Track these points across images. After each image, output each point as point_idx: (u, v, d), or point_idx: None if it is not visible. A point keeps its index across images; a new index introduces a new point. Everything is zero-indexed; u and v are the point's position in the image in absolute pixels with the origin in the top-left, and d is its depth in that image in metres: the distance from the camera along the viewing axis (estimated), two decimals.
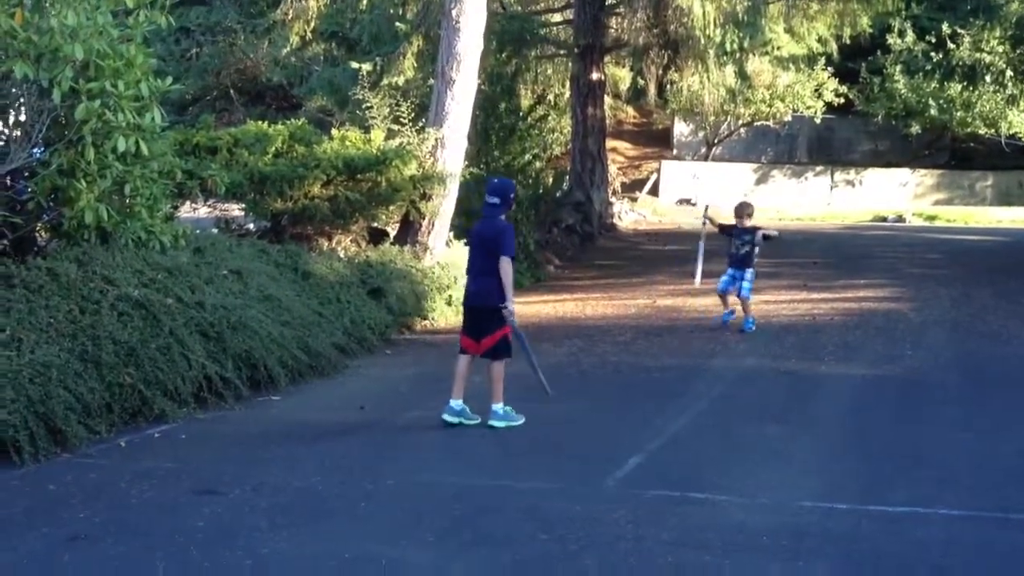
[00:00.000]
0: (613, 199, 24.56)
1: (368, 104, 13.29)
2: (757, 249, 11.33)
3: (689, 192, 28.87)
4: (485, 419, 7.30)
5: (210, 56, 25.98)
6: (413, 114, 13.00)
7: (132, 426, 7.12)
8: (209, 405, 7.70)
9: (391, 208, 12.57)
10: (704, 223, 12.18)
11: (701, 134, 30.62)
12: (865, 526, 5.26)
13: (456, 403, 7.34)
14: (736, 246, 11.30)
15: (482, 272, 7.34)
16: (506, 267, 7.24)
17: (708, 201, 11.44)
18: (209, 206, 11.72)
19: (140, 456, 6.55)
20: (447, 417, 7.31)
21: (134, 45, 7.94)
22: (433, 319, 11.88)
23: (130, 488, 5.90)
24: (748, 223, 11.37)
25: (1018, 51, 21.35)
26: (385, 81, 16.68)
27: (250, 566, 4.75)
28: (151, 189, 8.63)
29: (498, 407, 7.30)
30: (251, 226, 12.13)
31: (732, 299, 11.34)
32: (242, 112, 25.16)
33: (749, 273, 11.23)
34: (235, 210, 12.18)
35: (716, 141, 30.42)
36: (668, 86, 26.31)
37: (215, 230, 11.45)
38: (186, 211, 11.37)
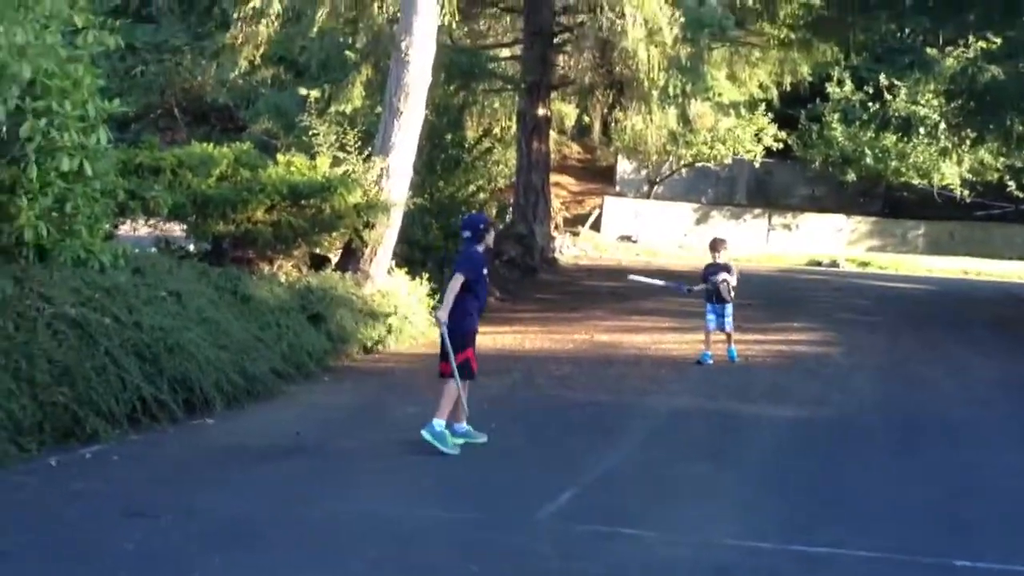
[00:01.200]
0: (555, 233, 24.80)
1: (315, 131, 13.32)
2: (734, 281, 11.74)
3: (631, 229, 29.25)
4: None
5: (155, 74, 25.79)
6: (359, 142, 13.06)
7: (64, 446, 7.04)
8: (143, 427, 7.65)
9: (334, 235, 12.59)
10: (687, 291, 12.69)
11: (644, 172, 31.06)
12: (785, 566, 5.41)
13: (459, 426, 7.64)
14: (713, 282, 11.67)
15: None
16: (453, 283, 7.50)
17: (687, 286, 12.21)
18: (150, 226, 11.64)
19: (71, 476, 6.49)
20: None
21: (82, 65, 7.93)
22: (373, 347, 11.90)
23: (59, 508, 5.86)
24: (721, 259, 11.79)
25: (951, 105, 22.00)
26: (332, 108, 16.74)
27: None
28: (92, 208, 8.58)
29: (438, 423, 7.41)
30: (191, 247, 12.07)
31: (712, 338, 11.76)
32: (186, 132, 25.00)
33: (729, 308, 11.69)
34: (176, 230, 12.11)
35: (658, 180, 30.89)
36: (612, 124, 26.72)
37: (155, 250, 11.37)
38: (126, 230, 11.29)
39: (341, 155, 12.96)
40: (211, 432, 7.92)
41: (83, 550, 5.24)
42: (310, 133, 13.50)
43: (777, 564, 5.42)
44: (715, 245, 11.97)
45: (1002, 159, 26.78)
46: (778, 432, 8.79)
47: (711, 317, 11.73)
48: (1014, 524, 6.33)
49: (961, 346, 13.79)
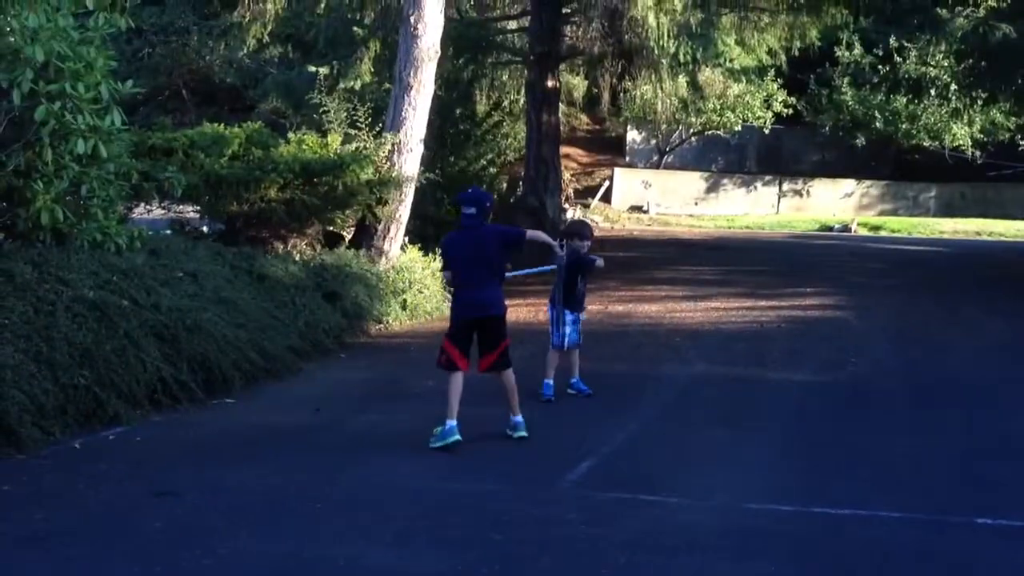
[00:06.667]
0: (566, 205, 24.77)
1: (325, 108, 13.32)
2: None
3: (641, 199, 29.20)
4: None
5: (162, 56, 25.75)
6: (370, 118, 13.06)
7: (86, 428, 7.11)
8: (164, 407, 7.72)
9: (347, 212, 12.61)
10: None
11: (653, 142, 30.96)
12: (809, 527, 5.44)
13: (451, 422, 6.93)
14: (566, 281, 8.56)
15: (486, 281, 7.09)
16: (531, 235, 7.32)
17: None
18: (163, 208, 11.69)
19: (95, 458, 6.56)
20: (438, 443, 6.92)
21: (94, 47, 7.93)
22: (388, 323, 11.94)
23: (87, 490, 5.93)
24: (584, 247, 8.63)
25: (962, 65, 21.81)
26: (342, 85, 16.70)
27: (209, 566, 4.81)
28: (107, 191, 8.62)
29: (520, 418, 7.14)
30: (205, 228, 12.12)
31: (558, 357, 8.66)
32: (194, 113, 24.98)
33: (576, 315, 8.79)
34: (190, 212, 12.15)
35: (668, 149, 30.79)
36: (622, 94, 26.55)
37: (169, 232, 11.42)
38: (140, 212, 11.33)
39: (352, 132, 12.97)
40: (232, 411, 7.98)
41: (113, 530, 5.31)
42: (320, 110, 13.50)
43: (800, 526, 5.46)
44: (574, 232, 8.74)
45: (1014, 119, 26.58)
46: (796, 397, 8.80)
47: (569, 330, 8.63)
48: None
49: (977, 308, 13.75)
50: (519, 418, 7.20)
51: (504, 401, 7.24)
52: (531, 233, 7.47)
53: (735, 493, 5.97)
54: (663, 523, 5.47)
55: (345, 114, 13.20)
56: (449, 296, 13.05)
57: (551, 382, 8.52)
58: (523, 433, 7.15)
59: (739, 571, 4.83)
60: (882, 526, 5.47)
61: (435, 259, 13.20)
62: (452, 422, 6.91)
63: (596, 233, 23.91)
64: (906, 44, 27.07)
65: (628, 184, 29.59)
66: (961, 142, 28.11)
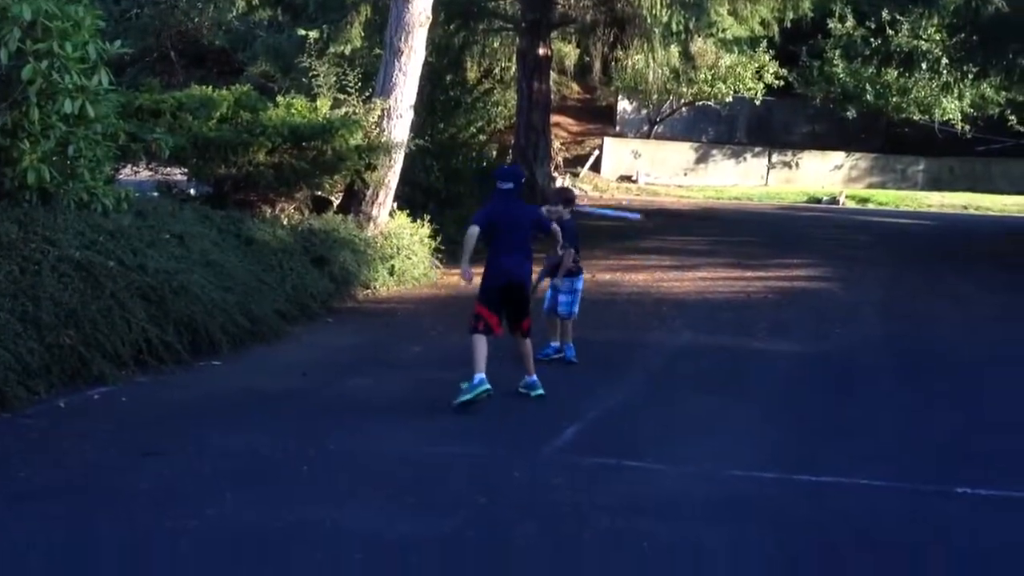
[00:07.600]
0: (555, 174, 24.70)
1: (315, 72, 13.22)
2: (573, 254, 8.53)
3: (631, 169, 29.16)
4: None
5: (151, 17, 25.48)
6: (359, 83, 12.97)
7: (71, 387, 7.10)
8: (149, 368, 7.70)
9: (336, 177, 12.54)
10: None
11: (644, 112, 30.86)
12: (791, 495, 5.50)
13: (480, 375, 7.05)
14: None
15: (518, 252, 7.49)
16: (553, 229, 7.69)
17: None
18: (151, 169, 11.61)
19: (80, 417, 6.56)
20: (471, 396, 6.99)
21: (82, 6, 7.86)
22: (375, 288, 11.93)
23: (71, 449, 5.93)
24: (565, 214, 8.50)
25: (954, 39, 21.79)
26: (331, 49, 16.57)
27: (196, 527, 4.83)
28: (94, 151, 8.55)
29: (535, 377, 7.47)
30: (193, 191, 12.05)
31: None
32: (182, 75, 24.75)
33: (569, 284, 8.70)
34: (177, 174, 12.08)
35: (658, 119, 30.70)
36: (613, 64, 26.45)
37: (156, 194, 11.36)
38: (127, 174, 11.26)
39: (341, 96, 12.88)
40: (218, 373, 7.98)
41: (98, 490, 5.32)
42: (310, 75, 13.41)
43: (783, 494, 5.51)
44: (558, 198, 8.89)
45: (1004, 93, 26.58)
46: (782, 367, 8.86)
47: (549, 294, 8.88)
48: (1016, 455, 6.40)
49: (963, 281, 13.83)
50: (534, 378, 7.44)
51: (521, 364, 7.50)
52: (553, 227, 7.78)
53: (719, 460, 6.01)
54: (647, 488, 5.52)
55: (334, 79, 13.11)
56: (437, 263, 13.12)
57: (555, 344, 8.81)
58: (540, 391, 7.38)
59: (720, 535, 4.88)
60: (862, 493, 5.53)
61: (423, 225, 13.18)
62: (481, 375, 7.01)
63: (585, 203, 23.90)
64: (898, 17, 26.99)
65: (618, 154, 29.53)
66: (951, 116, 28.11)
